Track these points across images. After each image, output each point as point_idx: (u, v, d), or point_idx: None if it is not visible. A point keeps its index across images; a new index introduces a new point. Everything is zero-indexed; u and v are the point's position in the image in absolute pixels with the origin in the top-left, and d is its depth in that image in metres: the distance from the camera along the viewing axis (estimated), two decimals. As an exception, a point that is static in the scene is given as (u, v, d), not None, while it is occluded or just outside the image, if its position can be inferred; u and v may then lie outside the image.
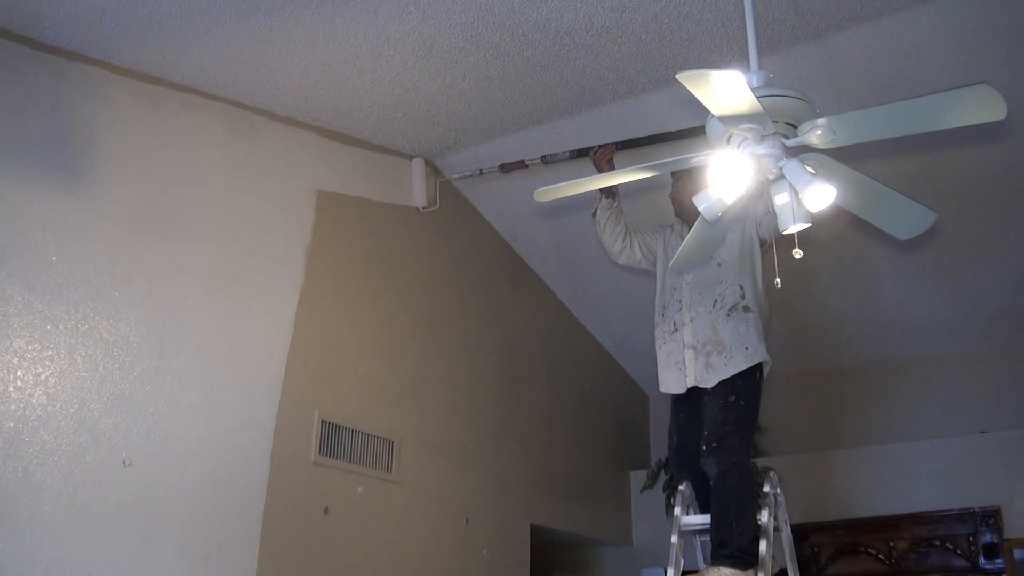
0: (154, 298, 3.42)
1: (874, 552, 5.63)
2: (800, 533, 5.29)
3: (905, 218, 3.09)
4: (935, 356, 6.36)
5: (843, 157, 2.93)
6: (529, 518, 5.36)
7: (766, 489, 3.80)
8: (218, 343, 3.61)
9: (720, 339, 3.78)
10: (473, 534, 4.81)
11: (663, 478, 6.31)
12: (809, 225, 2.90)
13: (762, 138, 2.76)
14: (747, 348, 3.73)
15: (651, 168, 3.02)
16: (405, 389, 4.53)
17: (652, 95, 4.24)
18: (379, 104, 4.14)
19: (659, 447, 6.78)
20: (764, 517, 3.65)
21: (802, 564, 4.62)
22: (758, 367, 3.74)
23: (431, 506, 4.55)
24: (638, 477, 6.66)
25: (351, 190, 4.41)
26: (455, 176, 4.79)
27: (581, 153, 4.16)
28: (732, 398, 3.68)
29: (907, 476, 5.80)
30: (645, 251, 4.11)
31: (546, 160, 4.28)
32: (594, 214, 4.09)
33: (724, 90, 2.43)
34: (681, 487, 3.95)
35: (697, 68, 2.30)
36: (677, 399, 3.94)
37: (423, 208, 4.79)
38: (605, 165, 4.01)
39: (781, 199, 2.89)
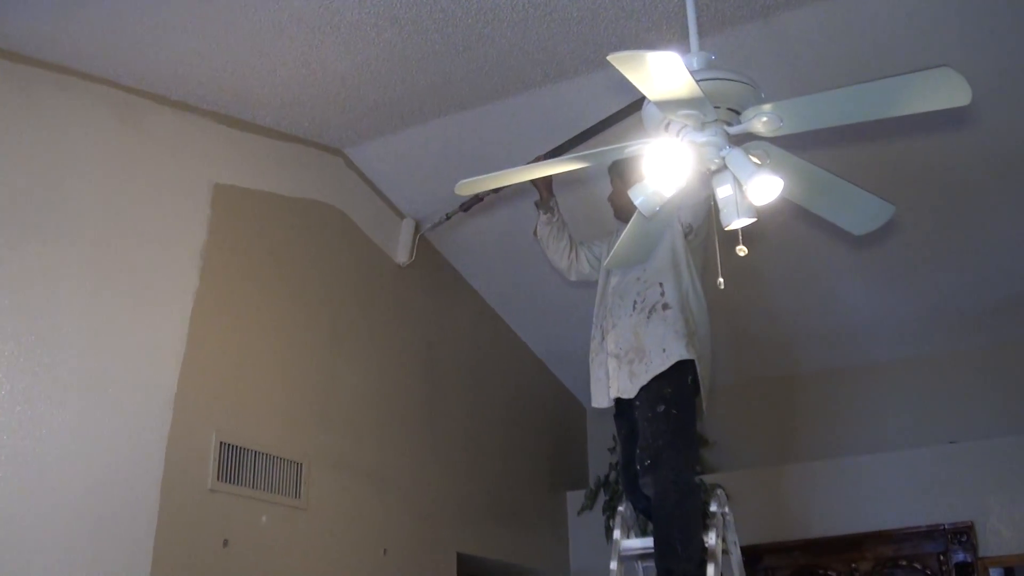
0: (25, 307, 3.34)
1: (834, 575, 5.71)
2: (752, 555, 5.35)
3: (860, 212, 3.15)
4: (898, 360, 6.50)
5: (791, 146, 2.96)
6: (455, 546, 5.36)
7: (713, 508, 3.86)
8: (100, 357, 3.54)
9: (641, 344, 3.82)
10: (392, 566, 4.79)
11: (603, 498, 6.35)
12: (754, 220, 2.93)
13: (703, 125, 2.80)
14: (664, 349, 3.76)
15: (582, 159, 3.04)
16: (313, 405, 4.51)
17: (586, 77, 4.27)
18: (282, 86, 4.12)
19: (598, 464, 6.82)
20: (711, 539, 3.69)
21: (755, 590, 4.70)
22: (687, 370, 3.76)
23: (344, 535, 4.52)
24: (575, 498, 6.69)
25: (252, 183, 4.37)
26: (428, 228, 5.09)
27: None
28: (661, 408, 3.71)
29: (870, 491, 5.88)
30: (593, 262, 4.22)
31: (496, 191, 4.48)
32: (535, 232, 4.24)
33: (661, 73, 2.46)
34: (621, 507, 4.00)
35: (632, 49, 2.33)
36: (618, 414, 3.99)
37: (403, 264, 5.10)
38: (541, 181, 4.15)
39: (723, 192, 2.93)
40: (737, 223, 2.94)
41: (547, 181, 4.18)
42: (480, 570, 5.83)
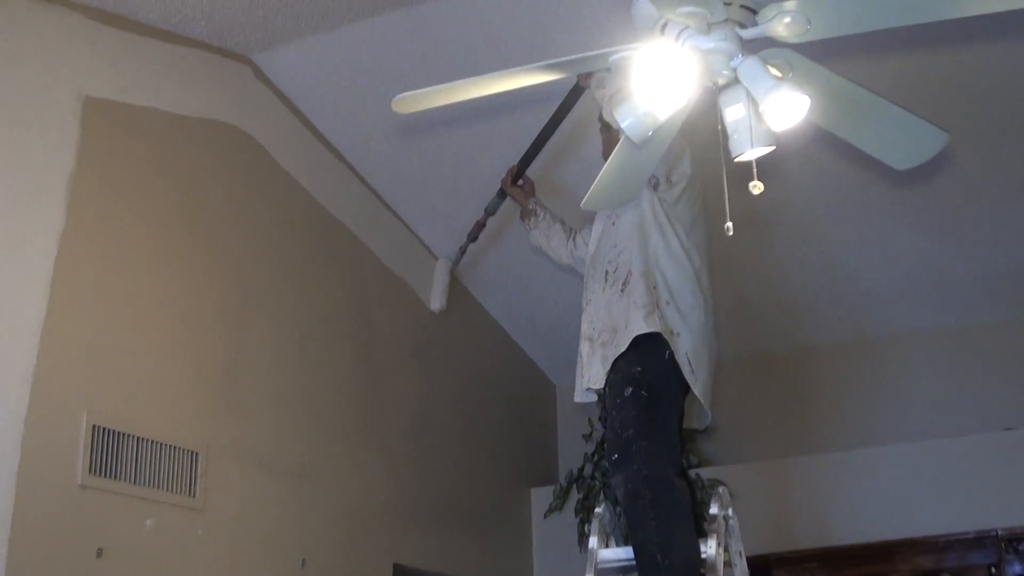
0: None
1: (861, 592, 5.76)
2: (760, 567, 5.30)
3: (906, 141, 3.17)
4: (939, 330, 6.55)
5: (820, 55, 2.96)
6: (392, 556, 5.37)
7: (713, 510, 3.90)
8: (-66, 317, 3.51)
9: (614, 323, 3.93)
10: None
11: (575, 497, 6.38)
12: (772, 148, 2.93)
13: (709, 27, 2.79)
14: (627, 326, 3.86)
15: (552, 68, 3.05)
16: (215, 381, 4.48)
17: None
18: (173, -28, 4.09)
19: (570, 455, 6.85)
20: (710, 548, 3.72)
21: (762, 609, 4.71)
22: (661, 345, 3.82)
23: (253, 543, 4.51)
24: (542, 496, 6.71)
25: (133, 97, 4.31)
26: (452, 265, 5.71)
27: (501, 195, 5.06)
28: (629, 391, 3.79)
29: (904, 489, 5.91)
30: (590, 240, 4.38)
31: (489, 212, 5.18)
32: (531, 241, 4.80)
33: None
34: (598, 509, 4.10)
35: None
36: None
37: (438, 311, 5.70)
38: (515, 191, 4.81)
39: (734, 113, 2.94)
40: (750, 153, 2.94)
41: (524, 190, 4.80)
42: None
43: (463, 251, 5.49)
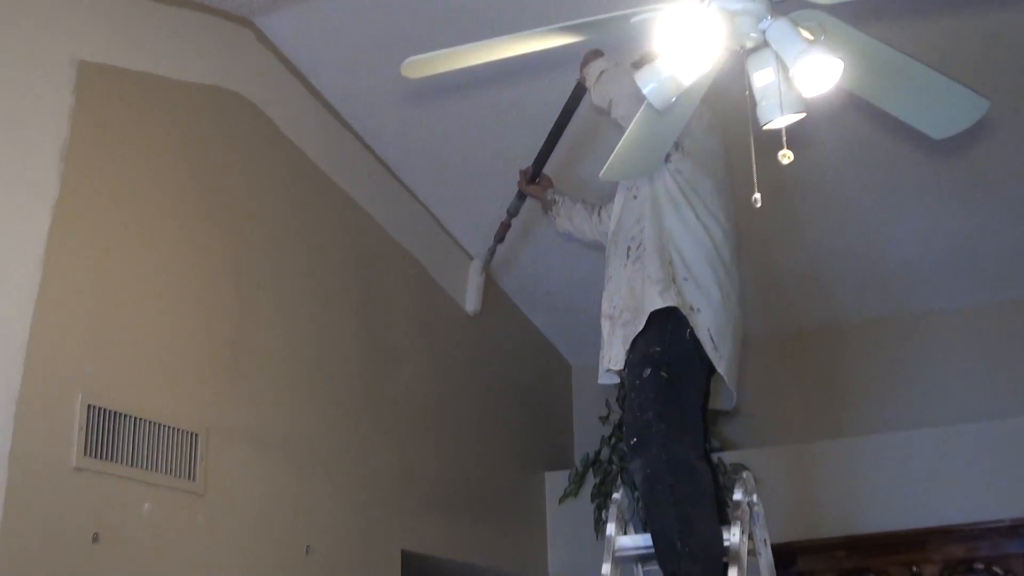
0: None
1: (890, 581, 5.75)
2: (785, 556, 5.37)
3: (944, 108, 3.15)
4: (975, 307, 6.54)
5: (853, 16, 2.94)
6: (400, 542, 5.37)
7: (737, 496, 3.88)
8: (-77, 291, 3.53)
9: (636, 302, 3.92)
10: (317, 568, 4.79)
11: (591, 482, 6.40)
12: (803, 115, 2.93)
13: None
14: (645, 305, 3.86)
15: (570, 30, 3.01)
16: (216, 359, 4.47)
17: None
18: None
19: (586, 438, 6.85)
20: (734, 535, 3.71)
21: (788, 600, 4.70)
22: (681, 323, 3.82)
23: (255, 529, 4.51)
24: (556, 480, 6.72)
25: (130, 62, 4.30)
26: (482, 263, 5.96)
27: (520, 196, 5.28)
28: (648, 371, 3.79)
29: (936, 475, 5.90)
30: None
31: (511, 214, 5.41)
32: (558, 230, 4.92)
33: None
34: (616, 494, 4.04)
35: None
36: None
37: (472, 313, 6.00)
38: (532, 189, 4.98)
39: (763, 78, 2.93)
40: (780, 121, 2.94)
41: (541, 186, 4.92)
42: (432, 573, 5.87)
43: (492, 253, 5.75)
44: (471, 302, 5.97)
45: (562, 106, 4.68)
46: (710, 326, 3.85)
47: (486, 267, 5.94)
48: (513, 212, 5.37)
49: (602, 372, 4.11)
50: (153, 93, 4.39)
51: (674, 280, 3.86)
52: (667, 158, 3.96)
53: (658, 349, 3.79)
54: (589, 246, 4.94)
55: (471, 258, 6.01)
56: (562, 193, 4.82)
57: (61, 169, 3.93)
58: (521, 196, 5.23)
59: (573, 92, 4.56)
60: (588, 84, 4.27)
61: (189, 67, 4.56)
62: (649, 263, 3.89)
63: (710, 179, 4.03)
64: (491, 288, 6.44)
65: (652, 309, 3.81)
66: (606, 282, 4.12)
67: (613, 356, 3.96)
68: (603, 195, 4.59)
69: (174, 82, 4.48)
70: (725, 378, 3.89)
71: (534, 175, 4.96)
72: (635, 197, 4.08)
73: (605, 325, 4.05)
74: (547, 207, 4.89)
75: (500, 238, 5.59)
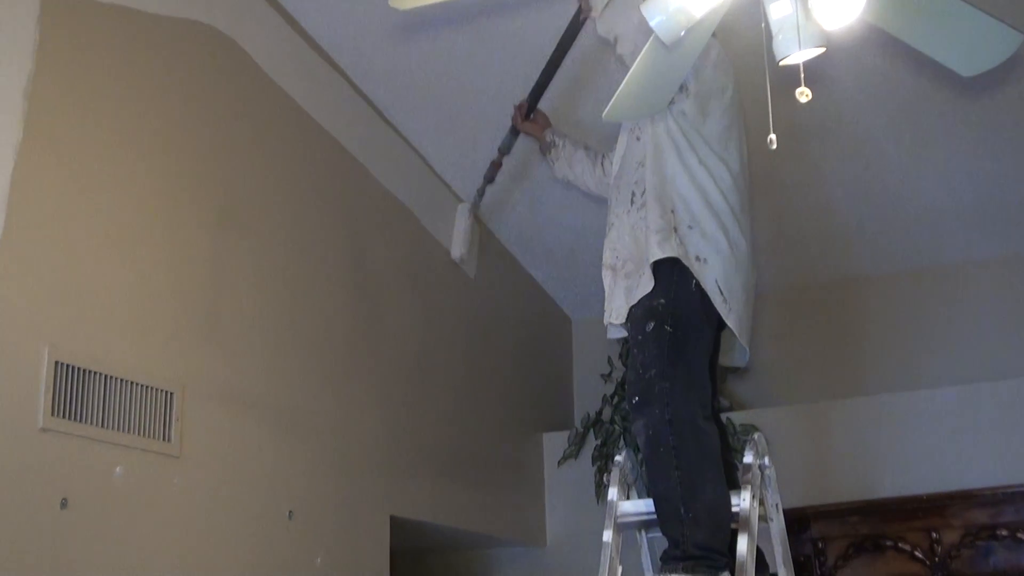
0: None
1: (907, 548, 5.76)
2: (798, 522, 5.45)
3: (972, 42, 3.13)
4: (1000, 258, 6.55)
5: None
6: (389, 508, 5.39)
7: (748, 459, 3.87)
8: None
9: (640, 251, 3.92)
10: (300, 533, 4.81)
11: (592, 443, 6.43)
12: (822, 50, 2.93)
13: None
14: (647, 255, 3.86)
15: None
16: (192, 313, 4.46)
17: None
18: None
19: (587, 397, 6.89)
20: (744, 500, 3.71)
21: (801, 566, 4.69)
22: (680, 272, 3.82)
23: (234, 493, 4.51)
24: (555, 442, 6.74)
25: None
26: (470, 206, 5.74)
27: (514, 132, 5.16)
28: (651, 326, 3.79)
29: (957, 436, 5.91)
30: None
31: (503, 151, 5.29)
32: (556, 174, 4.85)
33: None
34: (618, 457, 4.06)
35: None
36: None
37: (460, 260, 5.83)
38: (528, 125, 4.89)
39: (780, 9, 2.91)
40: (797, 56, 2.93)
41: (538, 123, 4.85)
42: (422, 539, 5.89)
43: (481, 193, 5.58)
44: (457, 246, 5.78)
45: (560, 36, 4.62)
46: (718, 276, 3.84)
47: (475, 210, 5.79)
48: (505, 150, 5.28)
49: (608, 326, 4.11)
50: (123, 27, 4.34)
51: (676, 229, 3.84)
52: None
53: (662, 302, 3.79)
54: (594, 198, 4.91)
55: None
56: (563, 135, 4.77)
57: (24, 108, 3.88)
58: (515, 132, 5.15)
59: (572, 20, 4.49)
60: (594, 14, 4.19)
61: (162, 0, 4.55)
62: (651, 211, 3.89)
63: (718, 121, 4.00)
64: (484, 235, 6.45)
65: (652, 260, 3.81)
66: (608, 229, 4.10)
67: (615, 309, 3.97)
68: (604, 139, 4.55)
69: (146, 15, 4.43)
70: (736, 333, 3.88)
71: (529, 110, 4.92)
72: (638, 139, 4.06)
73: (607, 276, 4.05)
74: (546, 149, 4.83)
75: (490, 178, 5.49)
